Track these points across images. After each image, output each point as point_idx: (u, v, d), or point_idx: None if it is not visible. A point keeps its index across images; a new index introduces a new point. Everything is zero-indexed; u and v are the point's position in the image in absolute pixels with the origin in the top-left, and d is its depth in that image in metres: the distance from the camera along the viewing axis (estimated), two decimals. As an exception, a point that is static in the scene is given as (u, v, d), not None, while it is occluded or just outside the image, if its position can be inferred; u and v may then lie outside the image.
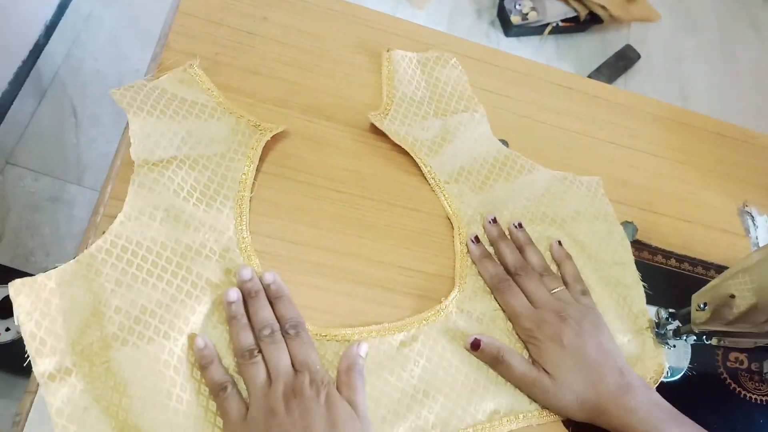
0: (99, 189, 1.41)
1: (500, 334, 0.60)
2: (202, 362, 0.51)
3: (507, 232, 0.66)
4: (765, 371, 0.54)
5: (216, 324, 0.53)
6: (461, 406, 0.56)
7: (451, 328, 0.59)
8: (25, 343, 0.48)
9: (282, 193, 0.62)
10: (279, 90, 0.66)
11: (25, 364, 0.48)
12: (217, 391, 0.50)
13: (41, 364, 0.47)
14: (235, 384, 0.51)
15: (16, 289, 0.48)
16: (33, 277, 0.49)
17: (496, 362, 0.58)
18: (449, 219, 0.65)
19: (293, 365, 0.52)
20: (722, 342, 0.57)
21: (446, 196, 0.66)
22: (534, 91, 0.75)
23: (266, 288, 0.55)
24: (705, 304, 0.58)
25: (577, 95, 0.77)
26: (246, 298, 0.54)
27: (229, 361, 0.52)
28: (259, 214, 0.60)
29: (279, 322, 0.54)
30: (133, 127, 0.57)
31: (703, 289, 0.59)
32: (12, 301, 0.48)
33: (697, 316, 0.58)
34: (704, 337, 0.58)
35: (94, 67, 1.55)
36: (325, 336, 0.56)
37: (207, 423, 0.50)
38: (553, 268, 0.65)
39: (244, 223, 0.58)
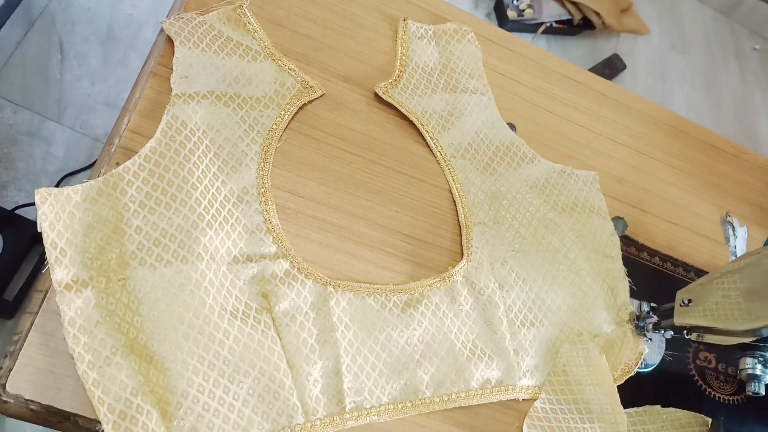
0: (78, 128, 1.39)
1: (492, 310, 0.62)
2: None
3: (501, 220, 0.67)
4: (740, 368, 0.57)
5: (231, 256, 0.54)
6: (455, 372, 0.58)
7: (455, 296, 0.61)
8: (45, 251, 0.48)
9: (295, 147, 0.62)
10: (301, 45, 0.66)
11: (43, 271, 0.48)
12: None
13: (59, 273, 0.48)
14: None
15: (41, 197, 0.49)
16: (60, 188, 0.49)
17: None
18: (452, 193, 0.66)
19: None
20: (701, 338, 0.60)
21: (451, 170, 0.67)
22: (545, 80, 0.77)
23: None
24: (689, 300, 0.60)
25: (585, 90, 0.79)
26: None
27: (234, 298, 0.53)
28: (271, 165, 0.60)
29: None
30: (177, 55, 0.59)
31: (689, 286, 0.61)
32: (36, 208, 0.48)
33: (681, 310, 0.61)
34: (684, 332, 0.61)
35: (86, 5, 1.51)
36: (339, 286, 0.57)
37: (213, 348, 0.51)
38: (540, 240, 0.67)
39: (266, 168, 0.59)
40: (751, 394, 0.57)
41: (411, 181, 0.66)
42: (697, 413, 0.66)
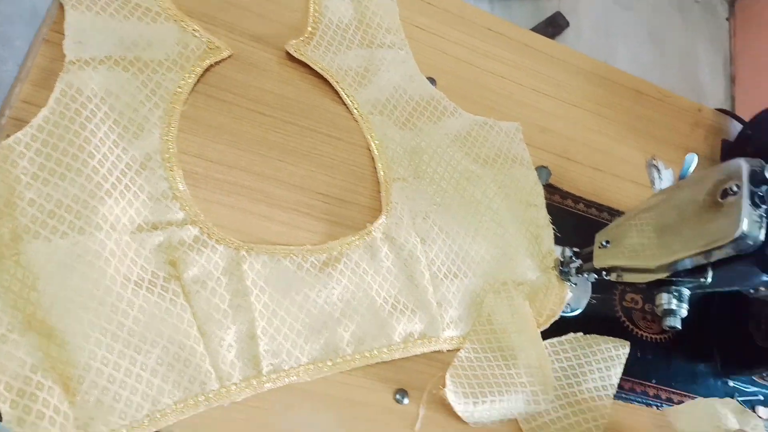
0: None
1: (414, 264, 0.61)
2: None
3: (421, 175, 0.66)
4: (656, 304, 0.58)
5: (134, 225, 0.53)
6: (377, 327, 0.58)
7: (375, 253, 0.60)
8: None
9: (203, 111, 0.60)
10: (205, 5, 0.64)
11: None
12: None
13: None
14: None
15: None
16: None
17: None
18: (370, 150, 0.65)
19: None
20: (620, 278, 0.60)
21: (369, 127, 0.66)
22: (466, 33, 0.76)
23: None
24: (607, 242, 0.61)
25: (507, 42, 0.77)
26: None
27: (139, 267, 0.51)
28: (177, 129, 0.58)
29: None
30: (69, 20, 0.56)
31: (607, 227, 0.62)
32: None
33: (599, 252, 0.61)
34: (603, 273, 0.61)
35: (7, -16, 1.45)
36: (253, 249, 0.56)
37: (116, 319, 0.49)
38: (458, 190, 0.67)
39: (171, 133, 0.57)
40: (668, 328, 0.57)
41: (327, 139, 0.64)
42: (617, 338, 0.67)
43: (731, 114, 0.88)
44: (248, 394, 0.52)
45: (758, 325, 0.73)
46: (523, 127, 0.73)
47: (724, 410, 0.62)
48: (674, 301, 0.56)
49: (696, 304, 0.77)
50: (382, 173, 0.64)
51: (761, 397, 0.75)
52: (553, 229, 0.70)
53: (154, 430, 0.49)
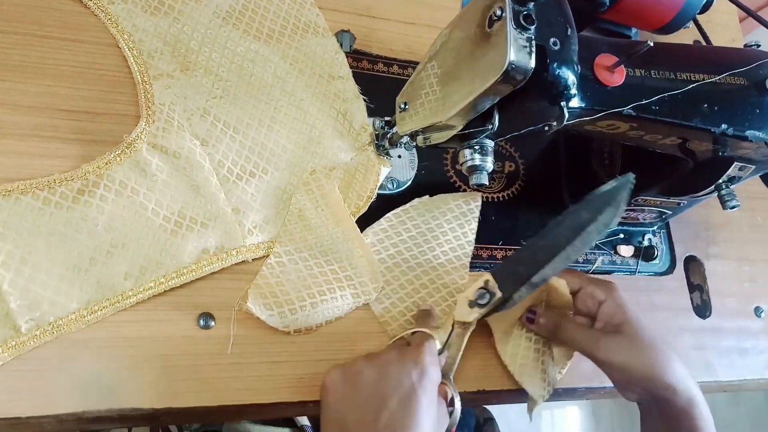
0: None
1: (195, 171, 0.53)
2: None
3: (191, 66, 0.56)
4: (460, 163, 0.51)
5: None
6: (160, 252, 0.50)
7: (144, 167, 0.51)
8: None
9: None
10: None
11: None
12: None
13: None
14: None
15: None
16: None
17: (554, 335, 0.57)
18: (120, 48, 0.55)
19: None
20: (429, 140, 0.53)
21: (112, 19, 0.55)
22: None
23: None
24: (406, 104, 0.53)
25: None
26: None
27: None
28: None
29: None
30: None
31: (404, 88, 0.54)
32: None
33: (400, 117, 0.54)
34: (409, 138, 0.55)
35: None
36: None
37: None
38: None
39: None
40: (475, 187, 0.52)
41: (61, 44, 0.53)
42: (466, 192, 0.63)
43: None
44: (7, 359, 0.45)
45: (601, 161, 0.69)
46: (313, -12, 0.63)
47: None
48: (477, 156, 0.50)
49: (541, 153, 0.73)
50: (137, 72, 0.54)
51: (622, 236, 0.73)
52: (365, 100, 0.62)
53: None
